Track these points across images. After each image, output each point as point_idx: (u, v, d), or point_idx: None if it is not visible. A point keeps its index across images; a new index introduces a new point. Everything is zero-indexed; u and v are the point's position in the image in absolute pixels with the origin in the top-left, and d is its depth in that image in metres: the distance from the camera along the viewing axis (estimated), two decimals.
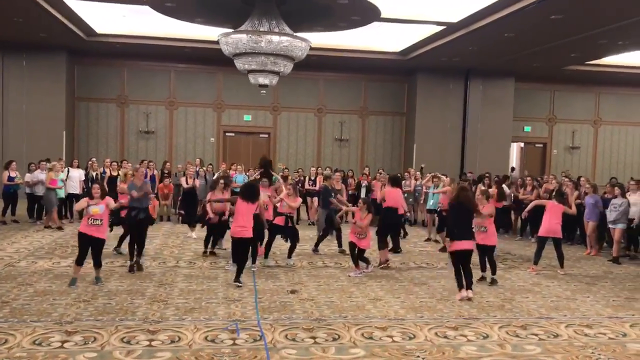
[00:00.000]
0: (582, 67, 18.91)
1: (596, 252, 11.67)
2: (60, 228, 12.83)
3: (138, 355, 5.43)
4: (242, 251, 8.44)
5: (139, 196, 8.99)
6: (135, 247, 9.02)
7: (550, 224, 9.80)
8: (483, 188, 11.06)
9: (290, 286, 8.27)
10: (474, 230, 8.45)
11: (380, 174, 15.21)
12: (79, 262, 7.92)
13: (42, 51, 18.00)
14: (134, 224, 9.05)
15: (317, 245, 11.07)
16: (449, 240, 8.13)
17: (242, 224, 8.27)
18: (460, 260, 7.93)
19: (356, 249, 9.21)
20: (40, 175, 13.30)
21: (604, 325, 6.90)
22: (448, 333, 6.37)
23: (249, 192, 8.43)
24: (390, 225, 10.28)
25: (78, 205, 8.35)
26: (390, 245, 10.64)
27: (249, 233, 8.33)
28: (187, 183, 13.17)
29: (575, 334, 6.52)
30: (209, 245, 10.43)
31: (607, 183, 12.66)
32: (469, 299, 7.74)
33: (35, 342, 5.67)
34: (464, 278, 7.93)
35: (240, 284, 8.13)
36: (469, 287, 7.90)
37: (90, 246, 7.91)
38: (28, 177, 13.37)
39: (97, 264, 8.05)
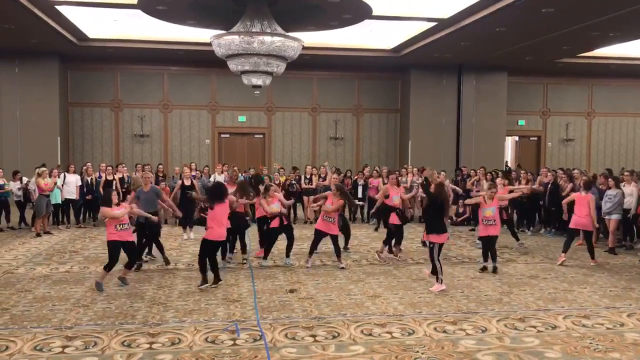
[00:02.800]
0: (574, 59, 18.96)
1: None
2: (48, 233, 12.80)
3: (139, 359, 5.45)
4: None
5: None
6: (158, 247, 9.66)
7: (580, 217, 9.99)
8: (490, 183, 11.19)
9: (288, 285, 8.31)
10: (484, 223, 9.26)
11: (377, 171, 15.21)
12: (109, 268, 8.04)
13: (35, 57, 17.97)
14: (153, 228, 9.39)
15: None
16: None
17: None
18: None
19: (322, 238, 9.70)
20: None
21: (601, 315, 6.95)
22: (447, 328, 6.42)
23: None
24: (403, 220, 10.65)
25: (103, 214, 8.28)
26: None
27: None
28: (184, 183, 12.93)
29: (573, 325, 6.57)
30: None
31: (601, 174, 12.71)
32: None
33: (36, 348, 5.68)
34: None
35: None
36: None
37: (123, 250, 8.10)
38: (31, 182, 13.37)
39: (130, 265, 8.29)
